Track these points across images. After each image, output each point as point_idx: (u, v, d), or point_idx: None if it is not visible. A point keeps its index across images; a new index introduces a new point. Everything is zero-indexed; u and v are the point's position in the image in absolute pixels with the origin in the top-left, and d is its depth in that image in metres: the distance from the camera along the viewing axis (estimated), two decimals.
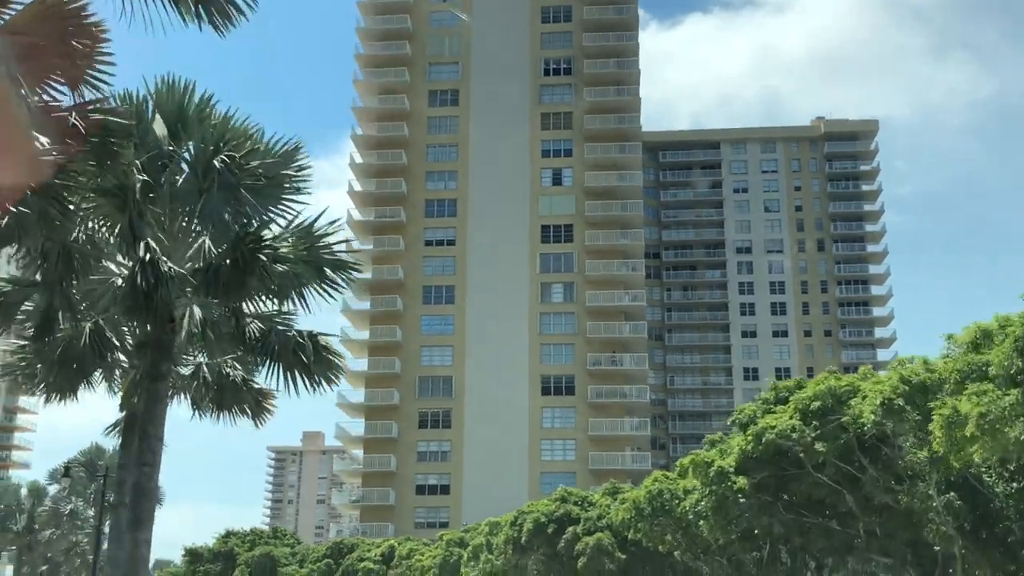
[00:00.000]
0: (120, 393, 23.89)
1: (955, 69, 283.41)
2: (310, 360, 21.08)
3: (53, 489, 58.24)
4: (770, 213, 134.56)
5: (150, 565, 69.86)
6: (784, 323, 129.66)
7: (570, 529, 36.21)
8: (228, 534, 73.63)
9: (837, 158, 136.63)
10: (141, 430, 20.11)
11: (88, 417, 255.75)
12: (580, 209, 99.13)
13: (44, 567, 65.86)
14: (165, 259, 18.66)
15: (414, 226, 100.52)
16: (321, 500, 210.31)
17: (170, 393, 25.04)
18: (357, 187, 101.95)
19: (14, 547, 61.36)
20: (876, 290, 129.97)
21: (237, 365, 24.01)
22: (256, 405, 24.59)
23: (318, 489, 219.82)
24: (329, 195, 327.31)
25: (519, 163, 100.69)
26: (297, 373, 21.80)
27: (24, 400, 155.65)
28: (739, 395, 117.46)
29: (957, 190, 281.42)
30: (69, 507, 57.87)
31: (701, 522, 25.70)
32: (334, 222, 20.12)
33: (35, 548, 60.86)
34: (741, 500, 25.04)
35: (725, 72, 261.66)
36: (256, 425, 24.74)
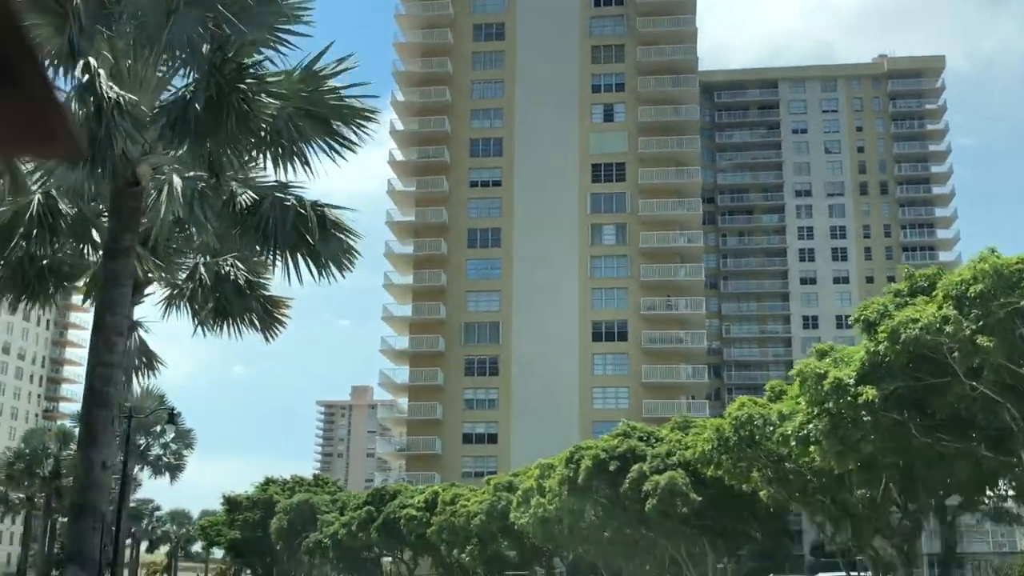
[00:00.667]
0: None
1: (1010, 18, 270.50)
2: (315, 238, 16.16)
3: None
4: (831, 155, 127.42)
5: (195, 515, 66.00)
6: (845, 269, 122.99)
7: (635, 467, 31.24)
8: (268, 482, 70.02)
9: (901, 96, 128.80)
10: (98, 319, 15.27)
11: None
12: (633, 146, 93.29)
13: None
14: (112, 85, 13.55)
15: (458, 167, 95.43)
16: (370, 454, 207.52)
17: (168, 302, 20.37)
18: (399, 126, 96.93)
19: (42, 494, 57.99)
20: (942, 234, 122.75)
21: (240, 264, 19.28)
22: (265, 314, 19.78)
23: (367, 443, 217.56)
24: (368, 129, 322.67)
25: (568, 99, 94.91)
26: (300, 256, 17.00)
27: (71, 351, 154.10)
28: (797, 344, 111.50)
29: (1018, 142, 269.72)
30: None
31: (812, 448, 20.42)
32: (345, 59, 14.82)
33: (65, 495, 57.28)
34: (866, 419, 19.76)
35: (777, 22, 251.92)
36: (266, 338, 19.93)
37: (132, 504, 69.82)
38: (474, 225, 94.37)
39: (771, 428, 22.33)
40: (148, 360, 24.78)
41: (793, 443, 20.68)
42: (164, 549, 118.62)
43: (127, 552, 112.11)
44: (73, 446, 54.41)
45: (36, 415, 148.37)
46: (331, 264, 18.06)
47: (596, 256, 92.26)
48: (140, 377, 24.89)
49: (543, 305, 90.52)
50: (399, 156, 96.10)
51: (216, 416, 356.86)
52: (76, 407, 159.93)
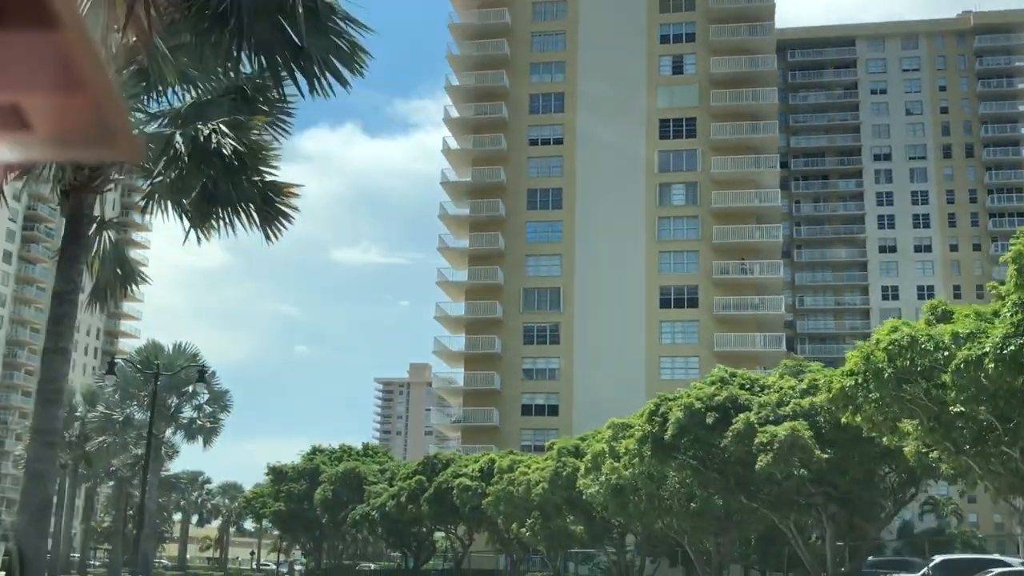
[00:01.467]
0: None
1: None
2: (300, 30, 10.78)
3: (109, 391, 49.78)
4: (912, 116, 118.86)
5: (248, 489, 59.93)
6: (927, 237, 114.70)
7: (741, 417, 24.81)
8: (314, 451, 64.97)
9: (988, 53, 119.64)
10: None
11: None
12: (704, 100, 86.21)
13: (108, 483, 58.03)
14: None
15: (517, 123, 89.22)
16: (429, 431, 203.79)
17: (147, 200, 15.09)
18: (454, 81, 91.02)
19: (69, 460, 53.45)
20: None
21: (225, 130, 13.75)
22: (265, 203, 14.11)
23: (425, 420, 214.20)
24: (423, 87, 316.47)
25: (634, 50, 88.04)
26: (283, 60, 11.78)
27: (129, 306, 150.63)
28: (876, 316, 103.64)
29: None
30: (125, 413, 49.27)
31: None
32: None
33: (97, 462, 52.67)
34: None
35: None
36: (268, 236, 14.51)
37: (170, 473, 65.10)
38: (534, 185, 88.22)
39: (943, 354, 16.22)
40: (125, 272, 19.18)
41: (991, 367, 14.51)
42: (216, 523, 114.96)
43: (178, 525, 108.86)
44: (102, 407, 49.59)
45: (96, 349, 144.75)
46: (329, 69, 12.18)
47: (664, 217, 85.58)
48: (118, 294, 19.43)
49: (607, 270, 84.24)
50: (454, 113, 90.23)
51: (278, 395, 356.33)
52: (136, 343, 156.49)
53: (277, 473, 65.22)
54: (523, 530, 39.72)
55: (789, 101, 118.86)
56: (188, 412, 49.69)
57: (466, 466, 47.37)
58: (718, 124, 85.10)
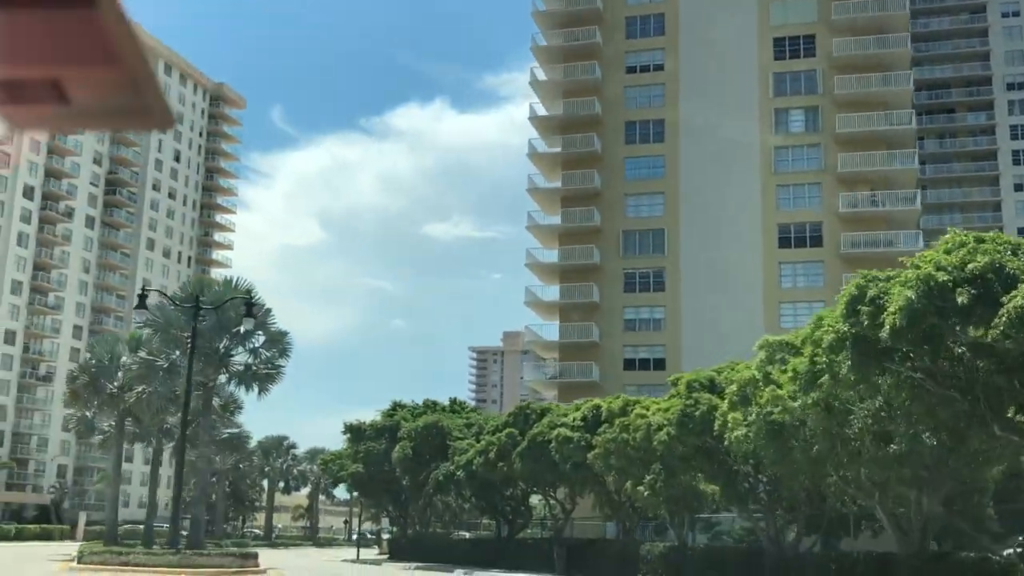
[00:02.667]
0: None
1: None
2: None
3: (149, 333, 42.23)
4: None
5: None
6: None
7: (1021, 290, 15.24)
8: (395, 406, 56.90)
9: None
10: None
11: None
12: (824, 13, 74.99)
13: (163, 442, 50.82)
14: None
15: (612, 49, 79.36)
16: (524, 398, 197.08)
17: None
18: (541, 6, 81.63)
19: (114, 412, 46.32)
20: None
21: None
22: None
23: (520, 389, 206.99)
24: (511, 59, 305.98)
25: None
26: None
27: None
28: None
29: None
30: (171, 359, 41.59)
31: None
32: None
33: (147, 419, 45.36)
34: None
35: None
36: None
37: (234, 432, 57.60)
38: (632, 117, 78.40)
39: None
40: None
41: None
42: (306, 491, 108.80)
43: (265, 493, 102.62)
44: (144, 353, 42.04)
45: (190, 258, 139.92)
46: None
47: (782, 147, 74.95)
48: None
49: (718, 207, 74.20)
50: (541, 41, 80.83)
51: (375, 368, 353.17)
52: (229, 255, 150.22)
53: (354, 431, 57.35)
54: (640, 489, 30.69)
55: (911, 29, 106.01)
56: (241, 357, 41.85)
57: (565, 415, 38.46)
58: (840, 39, 73.95)
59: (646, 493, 29.75)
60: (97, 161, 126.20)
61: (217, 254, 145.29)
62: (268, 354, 41.47)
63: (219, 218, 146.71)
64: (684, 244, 74.73)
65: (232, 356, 40.54)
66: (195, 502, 39.89)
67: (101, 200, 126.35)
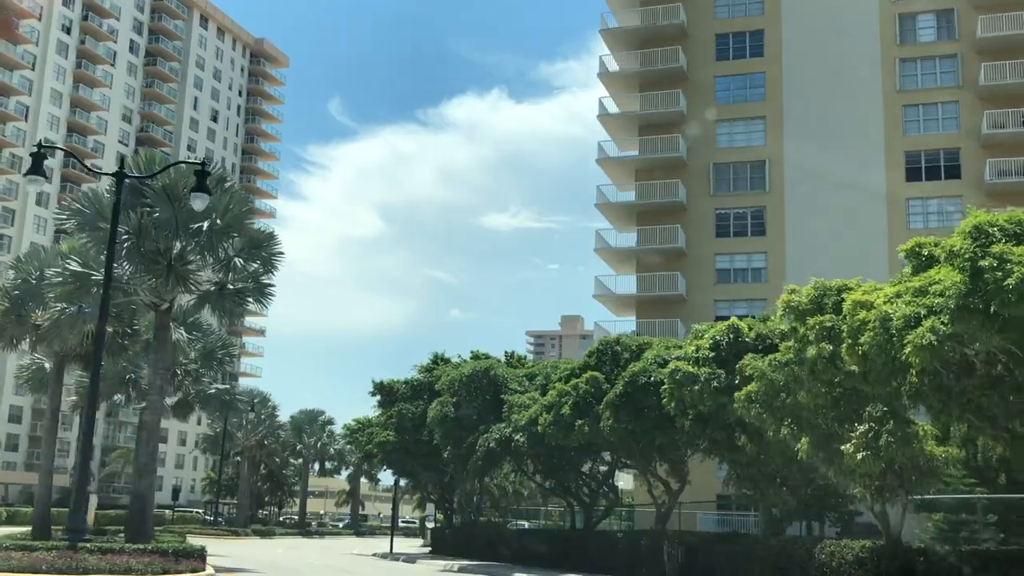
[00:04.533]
0: None
1: None
2: None
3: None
4: None
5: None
6: None
7: None
8: (436, 360, 43.58)
9: None
10: None
11: None
12: None
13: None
14: None
15: None
16: None
17: None
18: None
19: (50, 352, 33.74)
20: None
21: None
22: None
23: None
24: (567, 48, 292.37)
25: None
26: None
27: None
28: None
29: None
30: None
31: None
32: None
33: (57, 346, 32.28)
34: None
35: None
36: None
37: (243, 390, 43.94)
38: (723, 28, 64.27)
39: None
40: None
41: None
42: (346, 474, 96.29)
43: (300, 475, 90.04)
44: (75, 263, 29.02)
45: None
46: None
47: (907, 59, 60.33)
48: None
49: (829, 133, 60.05)
50: None
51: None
52: (263, 321, 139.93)
53: (385, 391, 44.19)
54: (848, 448, 16.76)
55: None
56: (210, 274, 28.70)
57: (679, 347, 24.94)
58: None
59: (860, 455, 15.99)
60: (126, 118, 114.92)
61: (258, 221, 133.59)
62: (245, 264, 28.27)
63: (260, 183, 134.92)
64: (789, 179, 60.67)
65: (190, 264, 27.42)
66: (142, 474, 26.91)
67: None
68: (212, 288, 29.05)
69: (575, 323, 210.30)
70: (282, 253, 29.29)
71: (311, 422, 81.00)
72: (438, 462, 41.42)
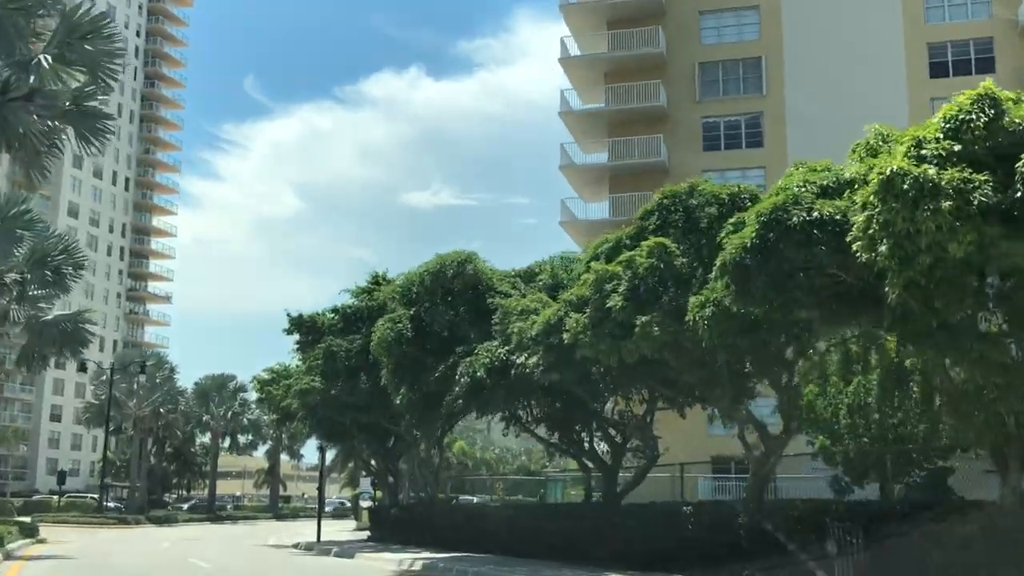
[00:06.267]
0: None
1: None
2: None
3: None
4: None
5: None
6: None
7: None
8: (376, 280, 31.06)
9: None
10: None
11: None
12: None
13: None
14: None
15: None
16: None
17: None
18: None
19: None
20: None
21: None
22: None
23: None
24: (486, 27, 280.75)
25: None
26: None
27: (159, 220, 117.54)
28: None
29: None
30: None
31: None
32: None
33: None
34: None
35: None
36: None
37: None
38: None
39: None
40: None
41: None
42: (264, 450, 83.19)
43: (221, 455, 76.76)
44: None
45: (119, 295, 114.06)
46: None
47: None
48: None
49: (836, 26, 49.56)
50: None
51: None
52: (167, 287, 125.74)
53: (306, 328, 31.79)
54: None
55: None
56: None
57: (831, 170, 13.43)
58: None
59: None
60: None
61: (161, 176, 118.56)
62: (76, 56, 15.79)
63: (163, 134, 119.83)
64: (790, 78, 49.96)
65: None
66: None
67: None
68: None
69: None
70: (123, 46, 16.78)
71: (219, 388, 67.63)
72: (380, 417, 29.17)
